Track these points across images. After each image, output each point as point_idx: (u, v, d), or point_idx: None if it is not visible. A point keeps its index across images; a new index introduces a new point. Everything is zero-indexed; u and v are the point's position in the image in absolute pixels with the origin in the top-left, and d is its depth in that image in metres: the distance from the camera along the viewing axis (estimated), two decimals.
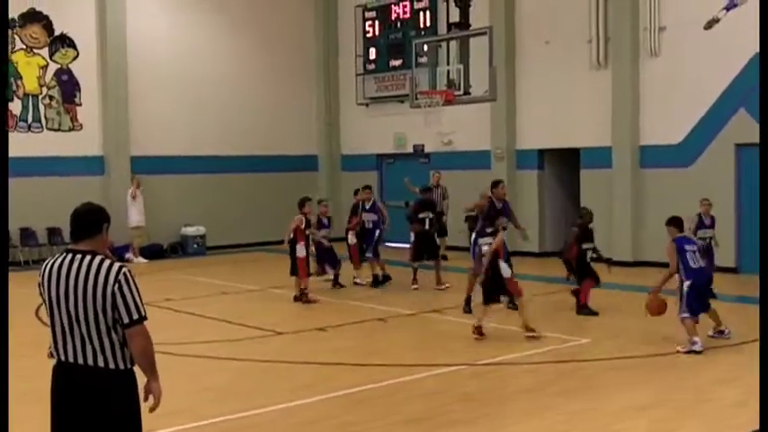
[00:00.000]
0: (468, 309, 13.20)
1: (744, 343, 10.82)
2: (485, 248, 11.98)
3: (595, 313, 12.98)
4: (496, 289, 11.59)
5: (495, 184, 13.81)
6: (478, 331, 11.40)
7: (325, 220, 15.62)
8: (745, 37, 16.54)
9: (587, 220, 13.75)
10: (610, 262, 13.80)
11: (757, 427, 7.32)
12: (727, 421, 7.72)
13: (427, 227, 16.11)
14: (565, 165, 20.73)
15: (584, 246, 13.40)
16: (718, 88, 17.34)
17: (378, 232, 16.30)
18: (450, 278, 15.62)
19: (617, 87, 18.89)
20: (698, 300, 10.61)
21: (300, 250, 14.25)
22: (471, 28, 18.55)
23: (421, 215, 16.06)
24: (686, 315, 10.46)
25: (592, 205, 19.50)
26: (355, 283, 16.18)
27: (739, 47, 16.80)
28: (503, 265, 11.60)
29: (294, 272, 14.41)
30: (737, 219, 17.30)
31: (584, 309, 13.11)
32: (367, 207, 16.50)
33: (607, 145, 19.20)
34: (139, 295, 4.73)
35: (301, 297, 14.25)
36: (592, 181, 19.64)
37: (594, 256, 13.48)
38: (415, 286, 15.73)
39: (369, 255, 16.16)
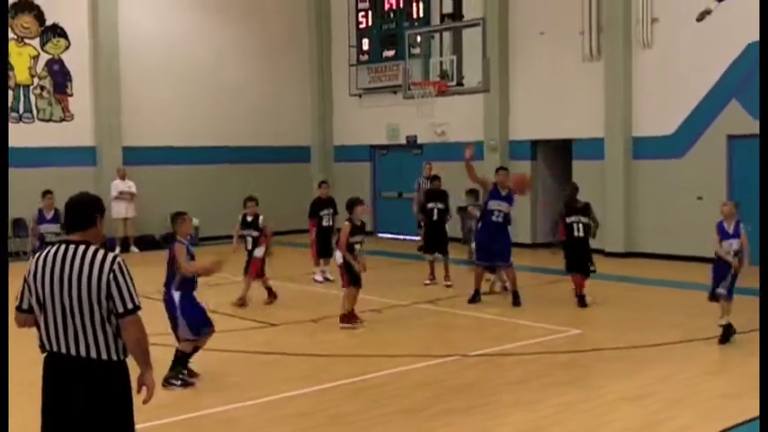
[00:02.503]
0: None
1: (737, 334, 10.85)
2: None
3: (584, 304, 12.96)
4: (354, 277, 11.66)
5: (498, 170, 13.91)
6: (348, 319, 11.67)
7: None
8: (736, 28, 16.58)
9: (570, 193, 13.69)
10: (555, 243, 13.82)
11: (748, 417, 7.42)
12: (718, 412, 7.75)
13: (435, 218, 15.33)
14: (558, 156, 20.75)
15: (569, 219, 13.20)
16: (711, 80, 17.37)
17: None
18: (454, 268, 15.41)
19: (609, 79, 18.90)
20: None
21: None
22: (464, 19, 18.56)
23: (429, 205, 15.38)
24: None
25: (584, 196, 19.61)
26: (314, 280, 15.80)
27: (731, 38, 16.83)
28: (337, 254, 11.72)
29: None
30: None
31: (581, 299, 13.08)
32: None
33: (600, 136, 19.23)
34: (134, 285, 4.72)
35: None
36: (584, 172, 19.63)
37: (582, 230, 13.16)
38: (427, 282, 15.22)
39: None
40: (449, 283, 14.92)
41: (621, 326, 11.58)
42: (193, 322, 9.04)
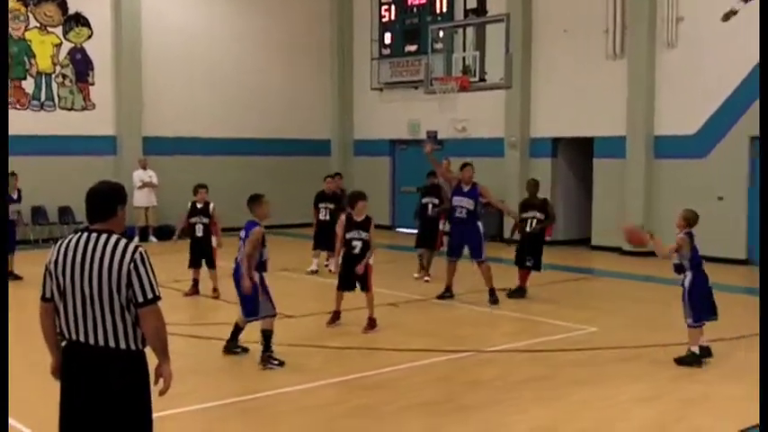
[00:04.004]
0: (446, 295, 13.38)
1: (751, 336, 10.77)
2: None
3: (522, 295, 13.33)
4: (351, 276, 11.16)
5: (463, 166, 13.57)
6: (334, 318, 11.38)
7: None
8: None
9: (529, 190, 13.71)
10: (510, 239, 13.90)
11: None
12: (731, 414, 7.71)
13: (429, 213, 15.51)
14: (578, 153, 20.68)
15: (525, 215, 13.42)
16: (734, 80, 17.25)
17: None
18: (462, 265, 15.27)
19: (633, 77, 18.80)
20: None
21: None
22: (488, 14, 18.51)
23: (424, 200, 15.65)
24: None
25: (604, 195, 19.64)
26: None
27: (756, 39, 16.66)
28: (368, 253, 11.19)
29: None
30: (749, 211, 17.22)
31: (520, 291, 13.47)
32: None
33: (621, 134, 19.13)
34: (154, 275, 4.72)
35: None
36: (605, 170, 19.60)
37: (536, 226, 13.32)
38: (416, 275, 15.35)
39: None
40: (428, 278, 15.13)
41: (638, 325, 11.52)
42: (271, 301, 9.40)
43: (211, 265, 13.53)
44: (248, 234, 9.28)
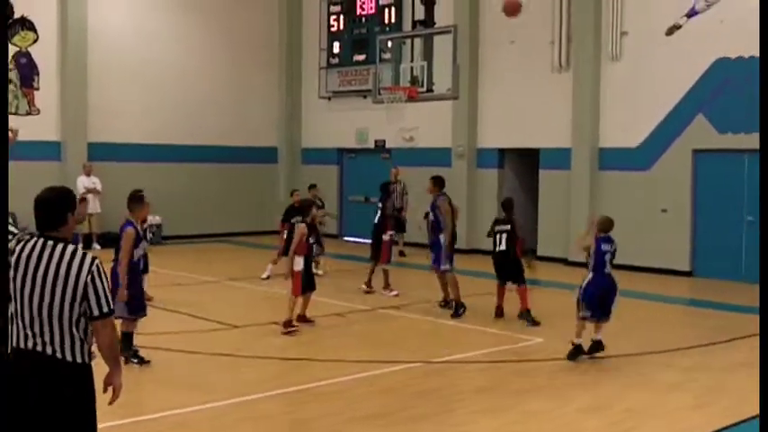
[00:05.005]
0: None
1: (695, 347, 10.98)
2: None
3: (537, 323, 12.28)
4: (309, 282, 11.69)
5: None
6: (288, 325, 11.36)
7: None
8: (705, 44, 16.79)
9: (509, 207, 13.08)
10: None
11: (712, 429, 7.53)
12: (681, 423, 7.81)
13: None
14: (524, 165, 20.84)
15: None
16: (677, 94, 17.54)
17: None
18: (410, 275, 15.42)
19: (578, 90, 19.02)
20: None
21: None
22: (436, 26, 18.58)
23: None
24: None
25: (549, 205, 19.83)
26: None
27: (699, 54, 17.03)
28: (297, 259, 11.49)
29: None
30: (693, 223, 17.51)
31: (528, 316, 12.46)
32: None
33: (566, 146, 19.34)
34: (109, 287, 4.71)
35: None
36: (550, 181, 19.78)
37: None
38: (395, 292, 14.64)
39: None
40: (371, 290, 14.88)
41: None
42: (131, 303, 9.47)
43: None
44: (122, 235, 9.54)
